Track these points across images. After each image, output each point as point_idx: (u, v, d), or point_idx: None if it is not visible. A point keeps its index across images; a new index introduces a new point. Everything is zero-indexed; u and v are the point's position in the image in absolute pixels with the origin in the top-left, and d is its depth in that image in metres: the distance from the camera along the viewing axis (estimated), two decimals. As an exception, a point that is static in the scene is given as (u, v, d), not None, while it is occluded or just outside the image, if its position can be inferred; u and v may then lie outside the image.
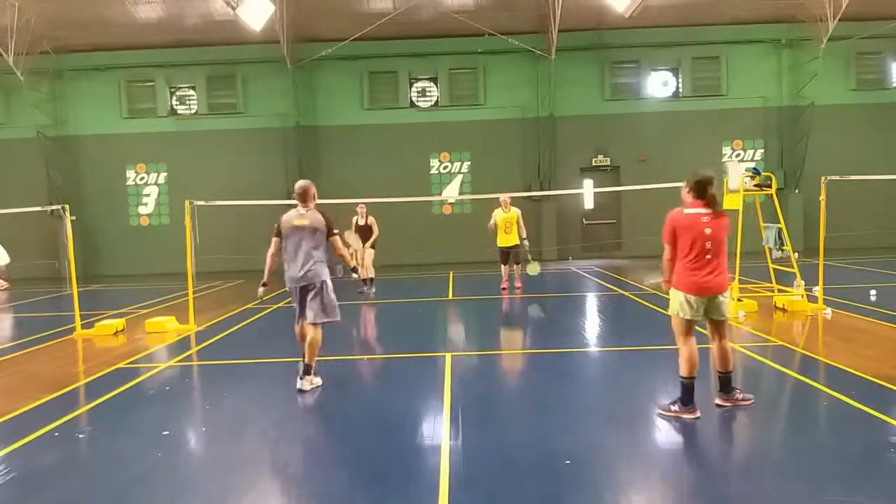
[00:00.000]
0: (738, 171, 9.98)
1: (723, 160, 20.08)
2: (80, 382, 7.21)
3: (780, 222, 9.97)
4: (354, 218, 13.33)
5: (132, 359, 8.21)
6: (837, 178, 10.25)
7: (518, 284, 13.26)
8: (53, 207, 11.98)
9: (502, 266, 13.22)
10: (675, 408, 5.22)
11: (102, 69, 20.85)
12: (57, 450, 5.09)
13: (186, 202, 10.36)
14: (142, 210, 21.33)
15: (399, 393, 6.45)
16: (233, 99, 21.11)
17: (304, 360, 6.44)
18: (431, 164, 21.13)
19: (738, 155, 20.80)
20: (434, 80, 21.20)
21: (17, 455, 4.96)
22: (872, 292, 11.06)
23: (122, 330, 10.12)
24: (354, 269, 7.07)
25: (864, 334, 8.21)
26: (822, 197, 9.89)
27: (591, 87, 20.93)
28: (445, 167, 21.15)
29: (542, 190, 19.56)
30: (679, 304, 5.19)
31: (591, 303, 12.17)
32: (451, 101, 21.10)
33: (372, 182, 19.55)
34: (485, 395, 6.29)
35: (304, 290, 6.42)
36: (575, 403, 5.98)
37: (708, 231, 5.12)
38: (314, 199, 6.56)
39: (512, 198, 13.31)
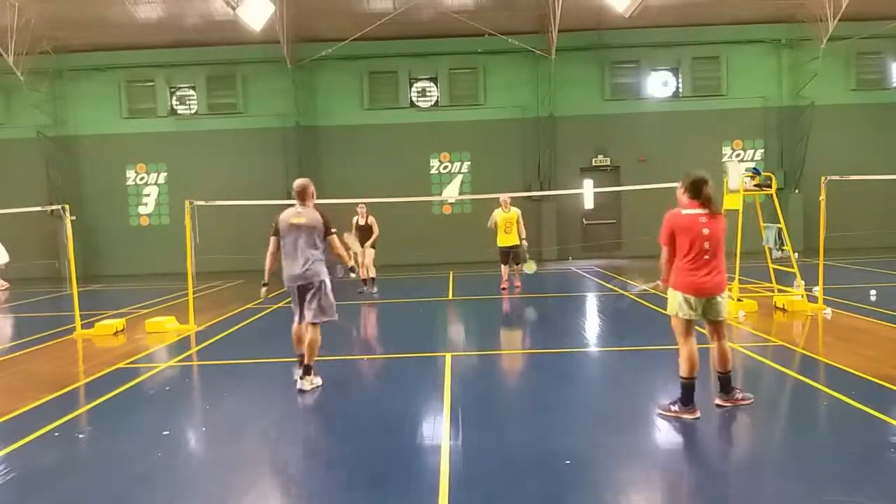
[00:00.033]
0: (738, 171, 9.98)
1: (723, 160, 20.09)
2: (80, 382, 7.21)
3: (780, 222, 9.97)
4: (355, 218, 13.34)
5: (132, 359, 8.21)
6: (837, 178, 10.25)
7: (517, 283, 13.29)
8: (53, 207, 11.99)
9: (502, 266, 13.23)
10: (675, 408, 5.22)
11: (102, 69, 20.86)
12: (57, 450, 5.09)
13: (186, 202, 10.36)
14: (142, 210, 21.33)
15: (399, 393, 6.44)
16: (233, 99, 21.11)
17: (302, 361, 6.43)
18: (431, 164, 21.14)
19: (738, 155, 20.81)
20: (434, 80, 21.20)
21: (17, 455, 4.96)
22: (872, 292, 11.06)
23: (122, 330, 10.12)
24: (352, 269, 7.02)
25: (864, 334, 8.21)
26: (822, 197, 9.89)
27: (591, 87, 20.93)
28: (445, 167, 21.15)
29: (542, 190, 19.57)
30: (678, 304, 5.20)
31: (591, 303, 12.18)
32: (451, 101, 21.10)
33: (372, 182, 19.55)
34: (485, 395, 6.29)
35: (302, 290, 6.41)
36: (575, 403, 5.98)
37: (706, 231, 5.12)
38: (313, 197, 6.55)
39: (512, 198, 13.33)
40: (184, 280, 11.11)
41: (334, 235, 6.53)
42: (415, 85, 21.29)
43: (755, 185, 9.85)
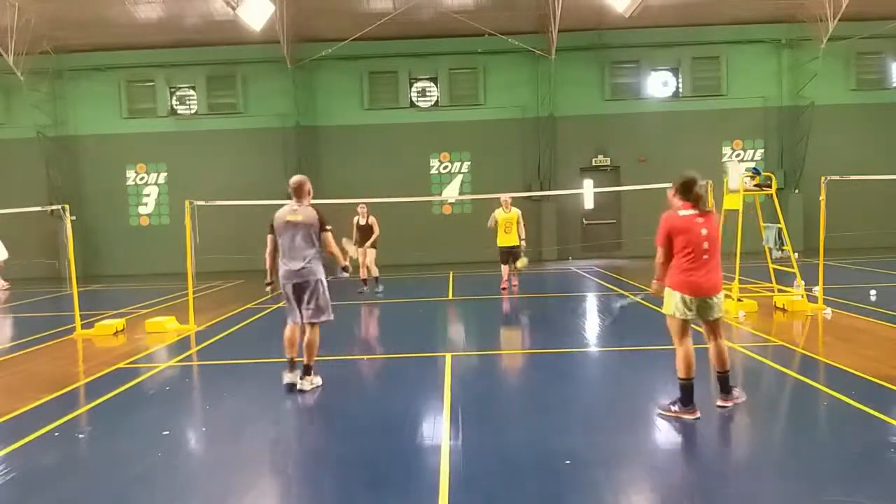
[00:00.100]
0: (738, 171, 9.98)
1: (723, 160, 20.09)
2: (80, 382, 7.21)
3: (780, 222, 9.97)
4: (355, 218, 13.34)
5: (132, 359, 8.21)
6: (837, 178, 10.25)
7: (515, 283, 13.32)
8: (53, 207, 11.98)
9: (503, 266, 13.23)
10: (675, 408, 5.22)
11: (102, 69, 20.86)
12: (57, 450, 5.09)
13: (186, 202, 10.36)
14: (142, 210, 21.33)
15: (399, 393, 6.44)
16: (233, 99, 21.11)
17: (292, 365, 6.38)
18: (431, 164, 21.14)
19: (738, 155, 20.81)
20: (434, 80, 21.20)
21: (17, 455, 4.96)
22: (872, 292, 11.06)
23: (122, 330, 10.12)
24: (345, 269, 6.82)
25: (864, 334, 8.21)
26: (822, 197, 9.89)
27: (591, 87, 20.93)
28: (445, 167, 21.15)
29: (542, 190, 19.56)
30: (674, 304, 5.19)
31: (591, 303, 12.18)
32: (451, 101, 21.10)
33: (372, 182, 19.55)
34: (485, 395, 6.29)
35: (298, 288, 6.32)
36: (575, 403, 5.98)
37: (704, 231, 5.13)
38: (309, 194, 6.47)
39: (512, 198, 13.33)
40: (184, 280, 11.11)
41: (329, 232, 6.38)
42: (415, 85, 21.29)
43: (755, 185, 9.85)
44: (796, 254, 11.28)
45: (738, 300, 9.78)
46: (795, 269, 10.11)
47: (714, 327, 5.33)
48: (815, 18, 18.80)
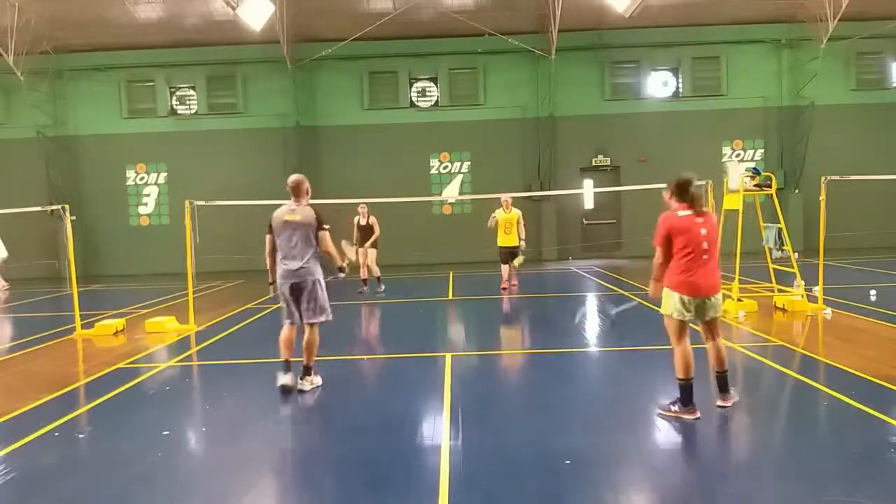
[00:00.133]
0: (738, 171, 9.98)
1: (723, 160, 20.09)
2: (80, 382, 7.21)
3: (780, 222, 9.97)
4: (356, 218, 13.34)
5: (132, 359, 8.21)
6: (837, 178, 10.25)
7: (515, 283, 13.32)
8: (53, 207, 11.98)
9: (503, 266, 13.23)
10: (675, 408, 5.22)
11: (102, 69, 20.85)
12: (57, 450, 5.09)
13: (186, 202, 10.36)
14: (142, 210, 21.33)
15: (399, 393, 6.44)
16: (233, 99, 21.11)
17: (287, 367, 6.35)
18: (431, 164, 21.13)
19: (738, 155, 20.81)
20: (434, 80, 21.20)
21: (17, 455, 4.96)
22: (872, 292, 11.06)
23: (122, 330, 10.12)
24: (342, 269, 6.74)
25: (864, 334, 8.21)
26: (822, 197, 9.90)
27: (591, 87, 20.93)
28: (445, 167, 21.15)
29: (542, 190, 19.56)
30: (673, 305, 5.18)
31: (591, 303, 12.18)
32: (451, 101, 21.09)
33: (372, 182, 19.55)
34: (485, 395, 6.29)
35: (295, 289, 6.29)
36: (575, 403, 5.98)
37: (704, 231, 5.13)
38: (307, 194, 6.44)
39: (513, 198, 13.33)
40: (184, 280, 11.11)
41: (326, 231, 6.34)
42: (415, 85, 21.29)
43: (755, 185, 9.85)
44: (796, 254, 11.28)
45: (738, 300, 9.78)
46: (795, 269, 10.11)
47: (712, 327, 5.33)
48: (815, 18, 18.80)
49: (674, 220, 5.16)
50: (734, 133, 20.83)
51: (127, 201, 21.24)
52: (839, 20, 18.08)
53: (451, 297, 13.11)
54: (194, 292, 10.66)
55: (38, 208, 12.17)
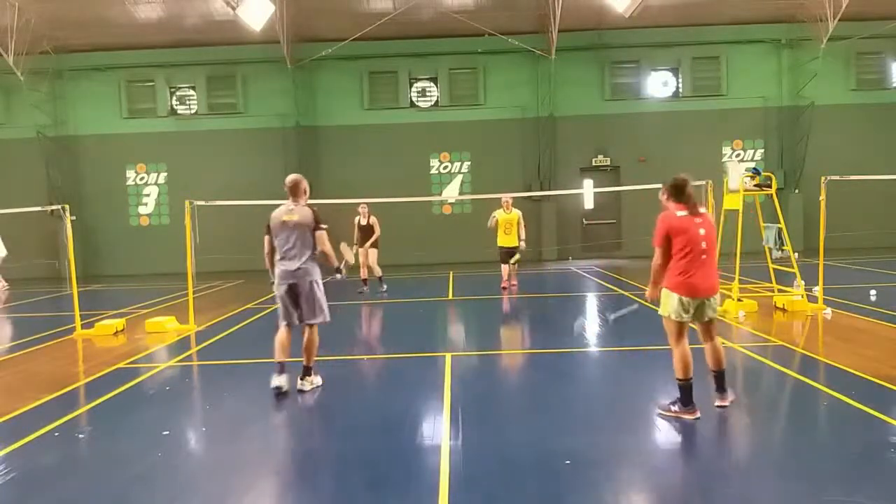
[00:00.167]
0: (738, 171, 9.98)
1: (723, 160, 20.09)
2: (80, 382, 7.21)
3: (780, 222, 9.97)
4: (356, 218, 13.35)
5: (132, 359, 8.21)
6: (837, 178, 10.25)
7: (515, 283, 13.33)
8: (53, 207, 11.99)
9: (503, 266, 13.24)
10: (675, 408, 5.22)
11: (102, 69, 20.85)
12: (57, 450, 5.09)
13: (186, 202, 10.36)
14: (142, 210, 21.33)
15: (399, 393, 6.44)
16: (233, 99, 21.11)
17: (281, 369, 6.28)
18: (431, 164, 21.13)
19: (738, 155, 20.80)
20: (434, 80, 21.20)
21: (17, 455, 4.96)
22: (872, 292, 11.06)
23: (122, 330, 10.12)
24: (338, 270, 6.74)
25: (864, 334, 8.21)
26: (822, 197, 9.90)
27: (591, 87, 20.93)
28: (445, 167, 21.15)
29: (542, 190, 19.56)
30: (672, 306, 5.18)
31: (591, 303, 12.18)
32: (451, 101, 21.09)
33: (372, 182, 19.54)
34: (485, 395, 6.29)
35: (293, 289, 6.26)
36: (575, 403, 5.98)
37: (703, 232, 5.12)
38: (305, 194, 6.40)
39: (513, 198, 13.33)
40: (184, 280, 11.11)
41: (323, 231, 6.30)
42: (415, 85, 21.28)
43: (755, 185, 9.85)
44: (796, 254, 11.28)
45: (738, 300, 9.78)
46: (795, 269, 10.11)
47: (709, 327, 5.33)
48: (815, 18, 18.79)
49: (672, 220, 5.16)
50: (734, 133, 20.83)
51: (127, 201, 21.24)
52: (839, 20, 18.08)
53: (451, 297, 13.10)
54: (194, 292, 10.66)
55: (38, 208, 12.17)
